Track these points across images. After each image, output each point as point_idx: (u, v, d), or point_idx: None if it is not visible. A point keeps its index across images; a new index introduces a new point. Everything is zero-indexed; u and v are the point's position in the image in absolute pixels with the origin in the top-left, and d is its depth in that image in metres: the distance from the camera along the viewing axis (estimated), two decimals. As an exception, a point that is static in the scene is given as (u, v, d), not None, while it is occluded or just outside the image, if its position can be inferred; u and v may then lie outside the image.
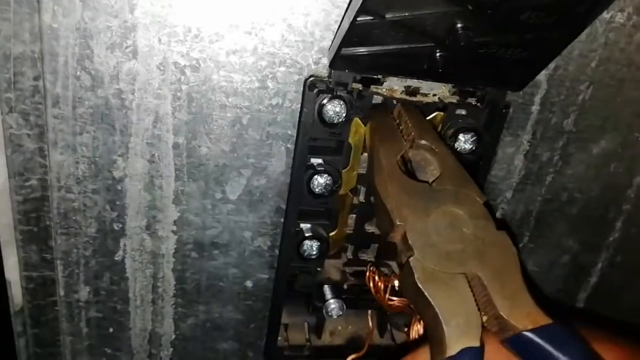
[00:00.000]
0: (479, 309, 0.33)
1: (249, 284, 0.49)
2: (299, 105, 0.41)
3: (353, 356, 0.46)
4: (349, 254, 0.49)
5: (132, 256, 0.46)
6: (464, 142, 0.43)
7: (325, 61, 0.40)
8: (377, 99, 0.42)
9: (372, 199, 0.45)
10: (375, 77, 0.40)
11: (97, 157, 0.41)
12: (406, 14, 0.33)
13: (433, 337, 0.33)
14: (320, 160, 0.43)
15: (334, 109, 0.40)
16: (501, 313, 0.33)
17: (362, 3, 0.32)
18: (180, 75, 0.39)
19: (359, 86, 0.40)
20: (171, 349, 0.52)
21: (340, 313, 0.48)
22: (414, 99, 0.42)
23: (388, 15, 0.33)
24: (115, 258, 0.46)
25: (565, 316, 0.33)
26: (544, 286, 0.56)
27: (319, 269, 0.48)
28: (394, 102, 0.42)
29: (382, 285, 0.44)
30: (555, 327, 0.32)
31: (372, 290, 0.44)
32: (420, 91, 0.42)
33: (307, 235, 0.45)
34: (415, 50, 0.36)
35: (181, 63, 0.39)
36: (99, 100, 0.39)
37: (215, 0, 0.37)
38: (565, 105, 0.46)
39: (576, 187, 0.51)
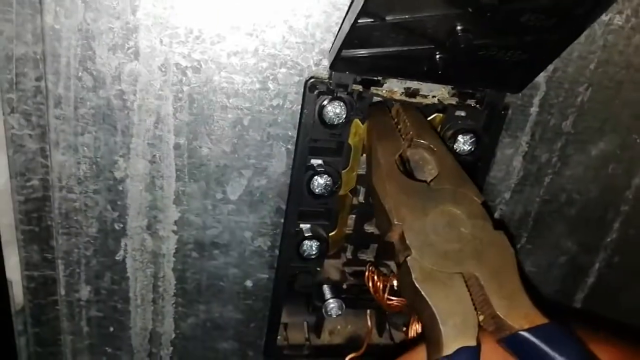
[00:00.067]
0: (475, 309, 0.33)
1: (249, 283, 0.49)
2: (300, 107, 0.41)
3: (352, 355, 0.47)
4: (349, 254, 0.49)
5: (132, 256, 0.46)
6: (463, 143, 0.43)
7: (326, 63, 0.40)
8: (376, 100, 0.43)
9: (370, 198, 0.45)
10: (376, 78, 0.41)
11: (99, 158, 0.41)
12: (406, 17, 0.33)
13: (430, 337, 0.33)
14: (320, 161, 0.43)
15: (334, 110, 0.40)
16: (498, 313, 0.33)
17: (363, 5, 0.32)
18: (181, 76, 0.39)
19: (359, 88, 0.41)
20: (171, 348, 0.52)
21: (340, 312, 0.48)
22: (413, 100, 0.42)
23: (388, 18, 0.33)
24: (116, 258, 0.46)
25: (562, 316, 0.33)
26: (542, 286, 0.56)
27: (318, 268, 0.48)
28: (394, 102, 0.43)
29: (381, 285, 0.44)
30: (552, 327, 0.32)
31: (371, 290, 0.45)
32: (420, 93, 0.42)
33: (306, 235, 0.45)
34: (415, 53, 0.36)
35: (183, 64, 0.39)
36: (100, 101, 0.39)
37: (217, 2, 0.37)
38: (563, 107, 0.46)
39: (574, 188, 0.51)
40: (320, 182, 0.43)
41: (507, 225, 0.51)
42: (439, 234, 0.36)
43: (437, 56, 0.36)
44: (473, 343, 0.32)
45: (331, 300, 0.48)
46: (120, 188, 0.43)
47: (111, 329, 0.50)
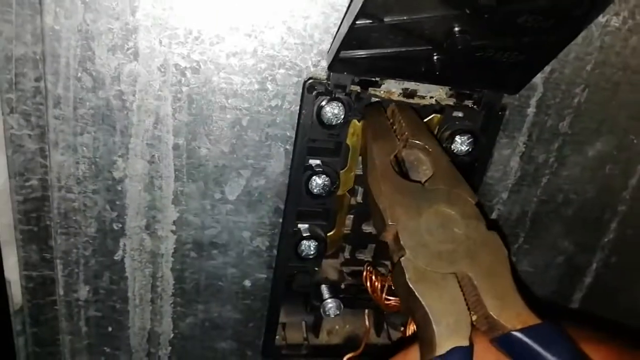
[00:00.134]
0: (468, 309, 0.34)
1: (247, 283, 0.49)
2: (298, 107, 0.41)
3: (350, 355, 0.47)
4: (347, 254, 0.50)
5: (131, 256, 0.46)
6: (461, 143, 0.44)
7: (324, 64, 0.40)
8: (373, 100, 0.43)
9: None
10: (374, 79, 0.41)
11: (98, 158, 0.42)
12: (404, 18, 0.33)
13: (423, 336, 0.33)
14: (318, 162, 0.43)
15: (333, 110, 0.40)
16: (491, 313, 0.33)
17: (361, 7, 0.32)
18: (180, 77, 0.39)
19: (357, 88, 0.41)
20: (170, 348, 0.52)
21: (338, 312, 0.48)
22: (411, 101, 0.43)
23: (387, 19, 0.33)
24: (115, 258, 0.46)
25: (555, 316, 0.33)
26: (540, 287, 0.57)
27: (316, 268, 0.48)
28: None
29: (379, 285, 0.44)
30: (544, 327, 0.32)
31: (369, 289, 0.45)
32: (418, 93, 0.42)
33: (305, 235, 0.46)
34: (413, 54, 0.36)
35: (182, 65, 0.39)
36: (100, 102, 0.39)
37: (216, 3, 0.38)
38: (560, 108, 0.46)
39: (572, 188, 0.51)
40: (318, 182, 0.43)
41: (501, 226, 0.52)
42: (433, 234, 0.36)
43: (435, 57, 0.36)
44: (466, 343, 0.32)
45: (329, 300, 0.48)
46: (119, 188, 0.43)
47: (110, 328, 0.50)
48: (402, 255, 0.35)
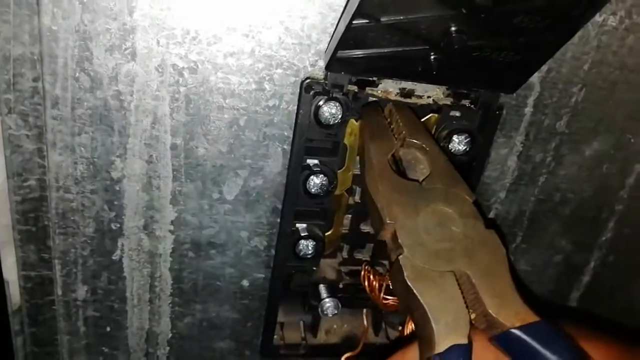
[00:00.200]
0: (467, 307, 0.34)
1: (245, 283, 0.49)
2: (296, 107, 0.42)
3: (348, 354, 0.47)
4: (345, 254, 0.50)
5: (129, 256, 0.46)
6: (458, 143, 0.44)
7: (322, 63, 0.40)
8: (370, 100, 0.43)
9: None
10: (371, 79, 0.41)
11: (96, 158, 0.42)
12: (401, 18, 0.34)
13: (422, 335, 0.33)
14: (316, 161, 0.43)
15: (330, 110, 0.40)
16: (489, 311, 0.33)
17: (357, 7, 0.32)
18: (178, 77, 0.40)
19: (355, 88, 0.41)
20: (168, 348, 0.52)
21: (336, 312, 0.48)
22: (408, 100, 0.43)
23: (383, 19, 0.33)
24: (113, 257, 0.46)
25: (554, 314, 0.33)
26: (537, 285, 0.57)
27: (314, 268, 0.48)
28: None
29: (377, 285, 0.44)
30: (543, 324, 0.32)
31: (367, 289, 0.45)
32: (415, 93, 0.42)
33: (303, 235, 0.46)
34: (410, 53, 0.36)
35: (179, 65, 0.39)
36: (97, 102, 0.40)
37: (214, 3, 0.38)
38: (558, 107, 0.46)
39: (569, 188, 0.51)
40: (316, 181, 0.43)
41: (499, 224, 0.52)
42: (431, 233, 0.36)
43: (432, 57, 0.37)
44: (465, 341, 0.32)
45: (327, 300, 0.48)
46: (117, 188, 0.43)
47: (108, 328, 0.50)
48: (400, 254, 0.35)
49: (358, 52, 0.36)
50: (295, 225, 0.46)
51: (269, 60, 0.40)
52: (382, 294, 0.44)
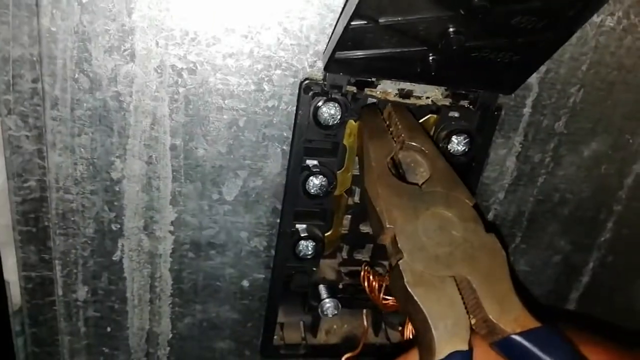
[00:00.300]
0: (467, 312, 0.33)
1: (245, 283, 0.49)
2: (295, 108, 0.42)
3: (348, 355, 0.47)
4: (344, 254, 0.50)
5: (129, 256, 0.46)
6: (457, 144, 0.44)
7: (320, 64, 0.40)
8: (369, 101, 0.43)
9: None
10: (369, 80, 0.41)
11: (95, 159, 0.42)
12: (399, 19, 0.34)
13: (422, 341, 0.33)
14: (315, 162, 0.43)
15: (329, 111, 0.41)
16: (490, 316, 0.33)
17: (356, 8, 0.32)
18: (177, 77, 0.40)
19: (354, 89, 0.41)
20: (168, 348, 0.52)
21: (336, 312, 0.48)
22: (407, 101, 0.43)
23: (381, 20, 0.33)
24: (113, 258, 0.46)
25: (554, 319, 0.33)
26: (536, 286, 0.57)
27: (314, 268, 0.48)
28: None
29: (377, 285, 0.44)
30: (544, 330, 0.32)
31: (367, 289, 0.45)
32: (414, 94, 0.42)
33: (302, 235, 0.46)
34: (408, 54, 0.36)
35: (178, 66, 0.39)
36: (97, 103, 0.40)
37: (212, 4, 0.38)
38: (556, 108, 0.47)
39: (568, 188, 0.51)
40: (315, 182, 0.43)
41: (499, 227, 0.52)
42: (431, 237, 0.36)
43: (430, 58, 0.37)
44: (465, 347, 0.32)
45: (327, 300, 0.48)
46: (117, 189, 0.43)
47: (108, 329, 0.50)
48: (400, 259, 0.35)
49: (356, 53, 0.36)
50: (295, 226, 0.46)
51: (268, 61, 0.40)
52: (381, 295, 0.44)
